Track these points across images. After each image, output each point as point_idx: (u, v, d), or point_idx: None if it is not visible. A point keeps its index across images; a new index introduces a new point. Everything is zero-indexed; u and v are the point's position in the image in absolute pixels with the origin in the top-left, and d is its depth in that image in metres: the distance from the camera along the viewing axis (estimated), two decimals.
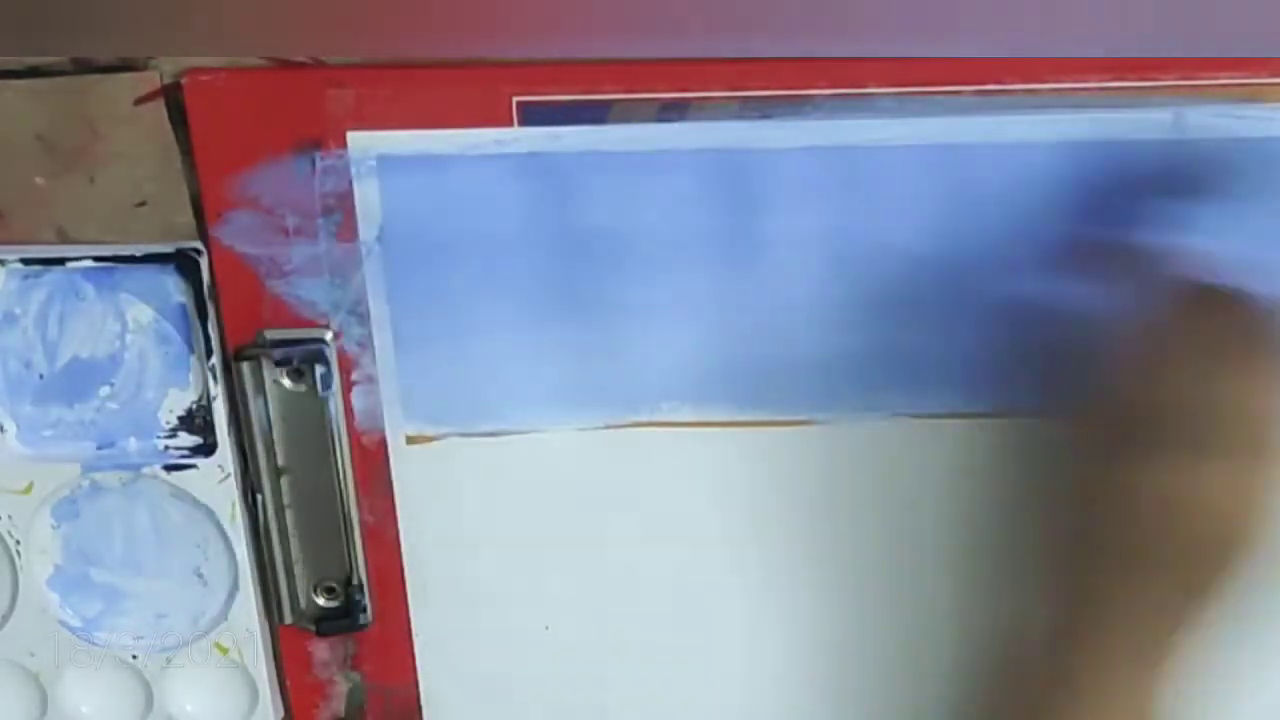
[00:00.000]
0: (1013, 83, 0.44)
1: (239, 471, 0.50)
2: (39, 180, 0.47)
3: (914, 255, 0.47)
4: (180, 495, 0.51)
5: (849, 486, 0.50)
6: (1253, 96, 0.44)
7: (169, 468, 0.50)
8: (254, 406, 0.49)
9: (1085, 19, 0.43)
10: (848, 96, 0.45)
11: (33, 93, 0.46)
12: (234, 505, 0.50)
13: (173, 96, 0.46)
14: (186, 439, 0.50)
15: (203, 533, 0.51)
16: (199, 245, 0.47)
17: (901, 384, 0.49)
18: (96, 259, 0.48)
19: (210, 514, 0.51)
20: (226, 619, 0.52)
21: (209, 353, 0.49)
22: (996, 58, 0.44)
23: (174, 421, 0.50)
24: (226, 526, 0.51)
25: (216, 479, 0.50)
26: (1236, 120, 0.44)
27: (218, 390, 0.49)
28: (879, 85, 0.44)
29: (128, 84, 0.46)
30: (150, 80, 0.46)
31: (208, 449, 0.50)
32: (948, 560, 0.51)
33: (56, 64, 0.46)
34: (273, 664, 0.53)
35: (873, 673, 0.53)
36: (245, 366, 0.49)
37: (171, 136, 0.46)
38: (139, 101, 0.46)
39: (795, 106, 0.45)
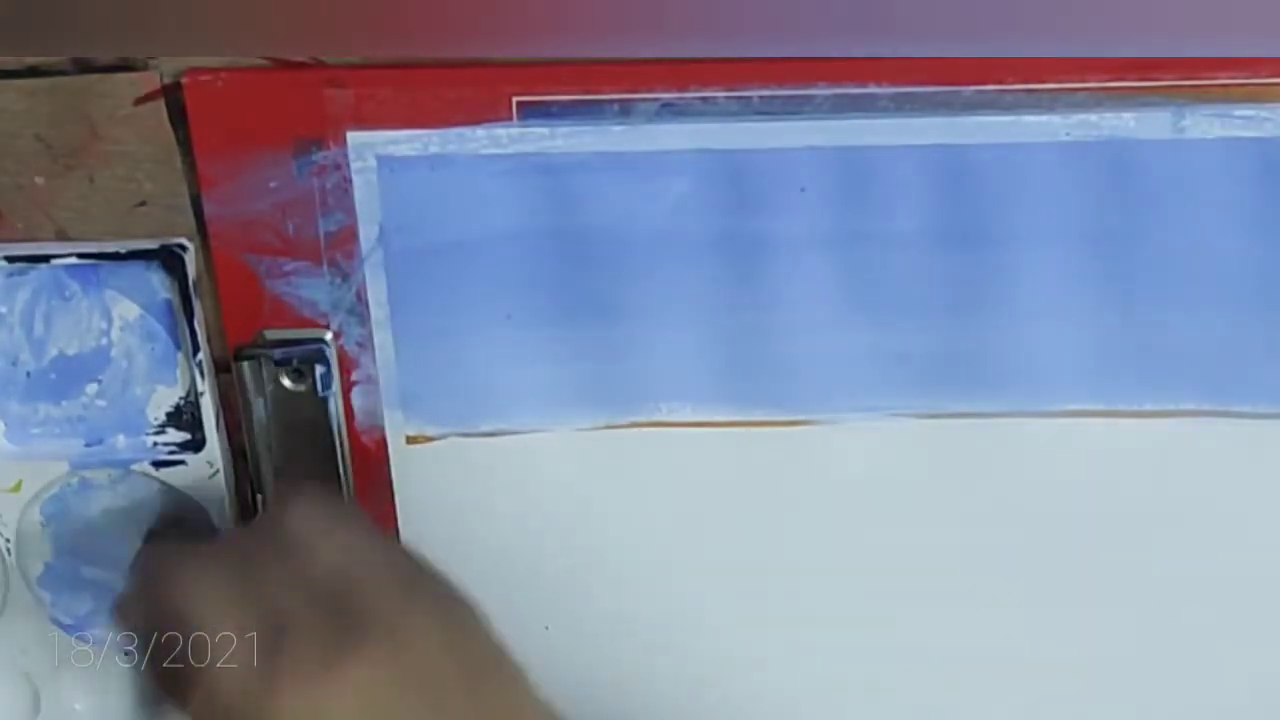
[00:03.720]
0: (1013, 83, 0.44)
1: (229, 468, 0.50)
2: (39, 180, 0.47)
3: (914, 254, 0.47)
4: (170, 491, 0.51)
5: (849, 486, 0.50)
6: (1253, 96, 0.44)
7: (158, 464, 0.50)
8: (254, 406, 0.49)
9: (1085, 19, 0.43)
10: (848, 96, 0.45)
11: (33, 93, 0.46)
12: (224, 501, 0.50)
13: (173, 96, 0.46)
14: (175, 435, 0.50)
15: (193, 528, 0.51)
16: (184, 241, 0.47)
17: (901, 384, 0.49)
18: (82, 256, 0.48)
19: (200, 510, 0.51)
20: None
21: (195, 349, 0.48)
22: (996, 58, 0.44)
23: (162, 418, 0.50)
24: (216, 521, 0.51)
25: (206, 475, 0.50)
26: (1236, 120, 0.44)
27: (205, 386, 0.49)
28: (879, 85, 0.44)
29: (128, 84, 0.46)
30: (150, 80, 0.46)
31: (196, 445, 0.50)
32: (947, 561, 0.51)
33: (56, 64, 0.46)
34: None
35: (871, 671, 0.53)
36: (245, 366, 0.49)
37: (171, 136, 0.46)
38: (139, 101, 0.46)
39: (795, 106, 0.45)
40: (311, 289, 0.48)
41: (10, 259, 0.48)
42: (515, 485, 0.51)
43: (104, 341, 0.49)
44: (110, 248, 0.47)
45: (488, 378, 0.49)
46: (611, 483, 0.51)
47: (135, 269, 0.48)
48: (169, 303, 0.48)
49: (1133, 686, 0.53)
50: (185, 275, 0.47)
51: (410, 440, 0.50)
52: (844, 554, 0.51)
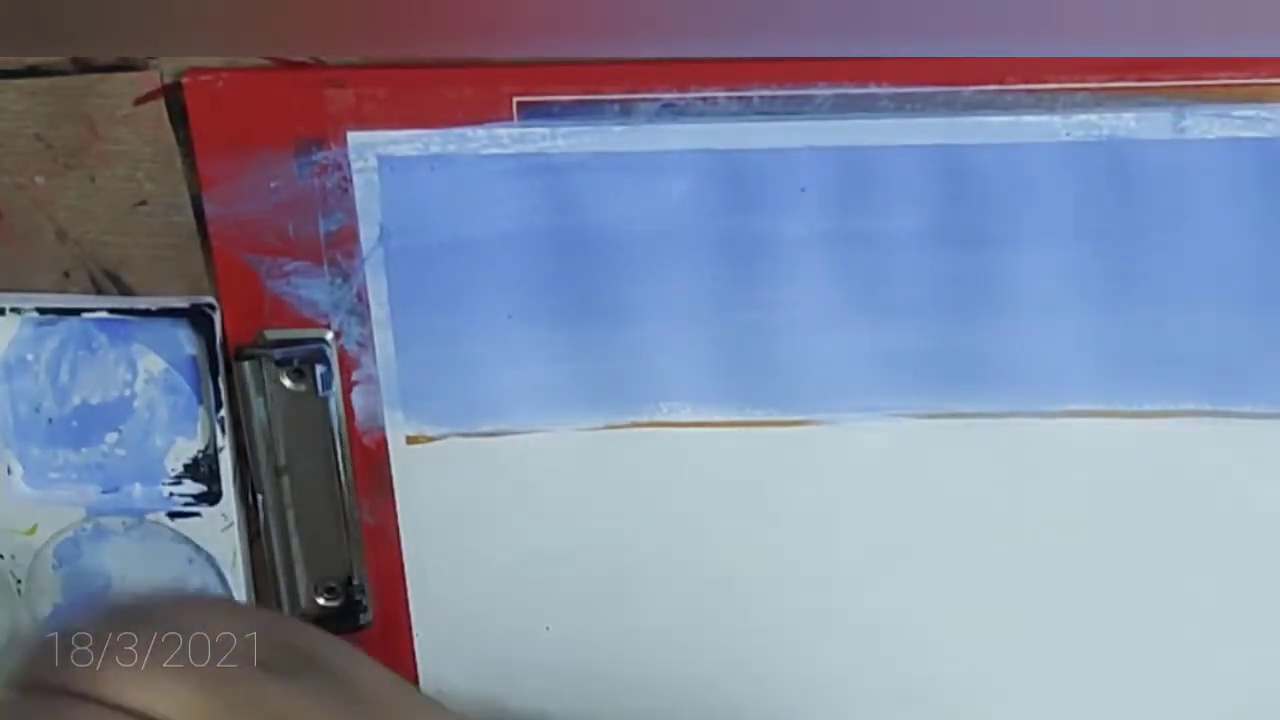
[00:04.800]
0: (1013, 83, 0.44)
1: (243, 522, 0.51)
2: (39, 180, 0.47)
3: (914, 254, 0.47)
4: (183, 542, 0.51)
5: (849, 486, 0.50)
6: (1253, 96, 0.44)
7: (173, 515, 0.51)
8: (254, 406, 0.49)
9: (1085, 19, 0.43)
10: (848, 96, 0.45)
11: (33, 93, 0.46)
12: (235, 553, 0.51)
13: (173, 96, 0.46)
14: (191, 487, 0.51)
15: (203, 579, 0.51)
16: (212, 301, 0.48)
17: (901, 384, 0.49)
18: (112, 311, 0.48)
19: (211, 561, 0.51)
20: None
21: (218, 405, 0.49)
22: (996, 58, 0.44)
23: (179, 469, 0.51)
24: (227, 573, 0.51)
25: (219, 527, 0.51)
26: (1236, 120, 0.44)
27: (224, 441, 0.49)
28: (879, 85, 0.44)
29: (128, 84, 0.46)
30: (150, 80, 0.46)
31: (212, 498, 0.50)
32: (946, 560, 0.51)
33: (56, 64, 0.46)
34: None
35: (871, 670, 0.53)
36: (245, 366, 0.49)
37: (171, 136, 0.46)
38: (139, 101, 0.46)
39: (795, 106, 0.45)
40: (312, 289, 0.48)
41: (41, 310, 0.48)
42: (515, 485, 0.51)
43: (127, 393, 0.50)
44: (141, 304, 0.48)
45: (488, 378, 0.49)
46: (611, 483, 0.51)
47: (163, 325, 0.48)
48: (194, 359, 0.49)
49: (1132, 685, 0.53)
50: (213, 333, 0.48)
51: (410, 440, 0.50)
52: (844, 553, 0.51)
